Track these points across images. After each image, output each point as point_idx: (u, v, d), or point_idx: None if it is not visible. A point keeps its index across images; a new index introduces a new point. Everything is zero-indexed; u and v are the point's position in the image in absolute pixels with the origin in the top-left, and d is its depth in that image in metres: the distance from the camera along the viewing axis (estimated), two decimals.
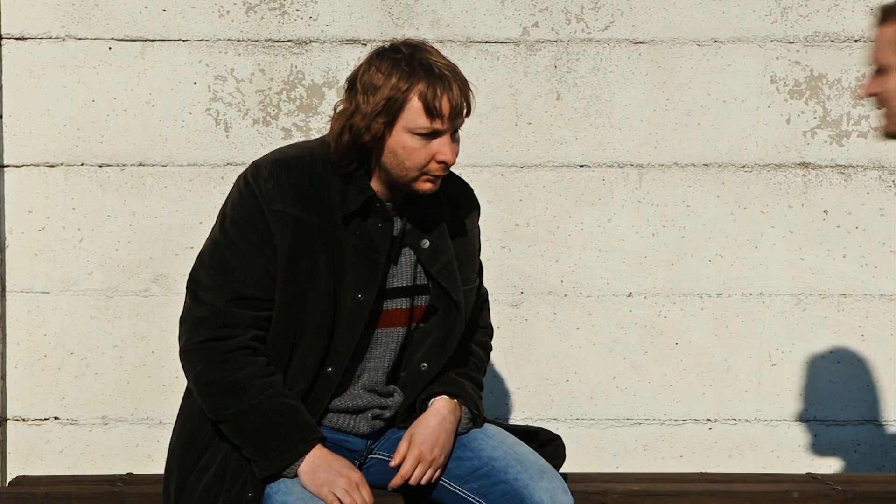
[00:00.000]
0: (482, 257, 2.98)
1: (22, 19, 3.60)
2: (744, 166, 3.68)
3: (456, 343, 2.82)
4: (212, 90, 3.63)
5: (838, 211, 3.69)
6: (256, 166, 2.73)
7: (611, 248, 3.69)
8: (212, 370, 2.68)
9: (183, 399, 2.85)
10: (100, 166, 3.63)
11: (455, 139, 2.69)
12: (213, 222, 2.79)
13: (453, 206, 2.84)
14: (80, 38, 3.61)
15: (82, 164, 3.63)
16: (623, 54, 3.66)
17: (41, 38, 3.61)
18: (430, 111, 2.63)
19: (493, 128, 3.66)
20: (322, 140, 2.78)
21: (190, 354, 2.71)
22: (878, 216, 3.69)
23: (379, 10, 3.63)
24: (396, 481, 2.74)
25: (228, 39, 3.63)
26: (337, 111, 2.72)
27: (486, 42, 3.65)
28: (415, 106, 2.63)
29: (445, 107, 2.63)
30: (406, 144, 2.66)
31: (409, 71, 2.63)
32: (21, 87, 3.61)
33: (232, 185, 2.78)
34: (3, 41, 3.60)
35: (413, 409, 2.84)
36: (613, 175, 3.68)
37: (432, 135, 2.65)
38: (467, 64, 3.62)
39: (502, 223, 3.67)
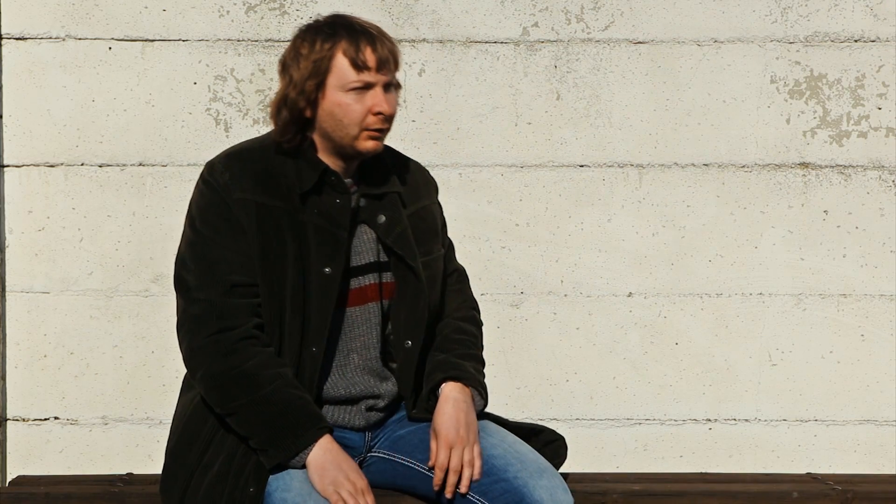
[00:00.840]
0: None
1: (22, 19, 3.60)
2: (744, 166, 3.68)
3: (426, 312, 2.84)
4: (212, 90, 3.63)
5: (838, 211, 3.69)
6: (210, 164, 2.80)
7: (611, 248, 3.69)
8: (219, 363, 2.69)
9: (179, 397, 2.85)
10: (100, 166, 3.63)
11: (389, 91, 2.75)
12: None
13: (405, 181, 2.89)
14: (80, 38, 3.61)
15: (82, 164, 3.63)
16: (623, 54, 3.66)
17: (41, 38, 3.61)
18: (357, 64, 2.70)
19: (493, 128, 3.65)
20: (270, 133, 2.83)
21: (195, 353, 2.72)
22: (878, 216, 3.69)
23: (379, 10, 3.62)
24: (439, 476, 2.74)
25: (228, 39, 3.63)
26: (274, 98, 2.78)
27: (486, 42, 3.65)
28: (341, 62, 2.71)
29: (371, 58, 2.71)
30: (341, 102, 2.72)
31: (331, 33, 2.73)
32: (21, 87, 3.61)
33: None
34: (3, 41, 3.60)
35: (418, 397, 2.85)
36: (613, 175, 3.67)
37: (364, 88, 2.72)
38: (467, 64, 3.62)
39: (502, 223, 3.66)
